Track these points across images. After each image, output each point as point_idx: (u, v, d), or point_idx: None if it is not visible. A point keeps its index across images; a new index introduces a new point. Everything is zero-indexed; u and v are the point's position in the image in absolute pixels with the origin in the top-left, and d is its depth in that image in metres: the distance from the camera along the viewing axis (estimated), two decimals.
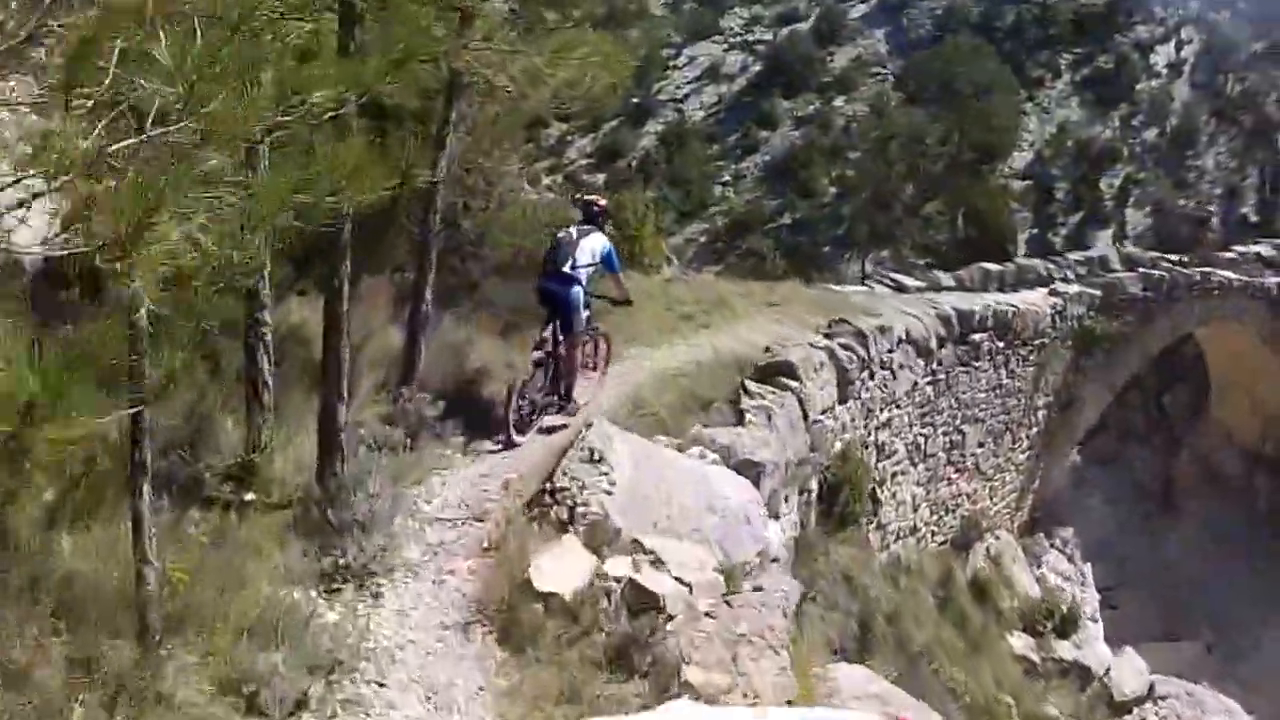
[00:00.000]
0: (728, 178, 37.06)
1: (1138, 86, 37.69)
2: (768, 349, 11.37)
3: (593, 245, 8.20)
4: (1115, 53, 38.86)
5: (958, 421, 17.18)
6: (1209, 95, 35.97)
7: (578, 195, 12.60)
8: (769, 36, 41.63)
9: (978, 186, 32.83)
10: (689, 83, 40.55)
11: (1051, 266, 24.66)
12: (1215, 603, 25.11)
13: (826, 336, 12.80)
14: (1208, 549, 26.00)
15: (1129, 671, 18.72)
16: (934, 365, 15.61)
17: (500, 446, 7.35)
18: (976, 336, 16.72)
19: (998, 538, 19.54)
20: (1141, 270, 21.66)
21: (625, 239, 13.96)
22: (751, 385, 10.42)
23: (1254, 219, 31.82)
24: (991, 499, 19.74)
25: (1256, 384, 25.10)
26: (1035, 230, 33.59)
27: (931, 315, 15.39)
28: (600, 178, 35.07)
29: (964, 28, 38.28)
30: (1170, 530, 27.23)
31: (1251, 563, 25.38)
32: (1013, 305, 17.61)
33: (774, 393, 10.25)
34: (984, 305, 16.71)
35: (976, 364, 17.01)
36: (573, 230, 8.29)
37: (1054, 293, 20.20)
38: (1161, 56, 38.22)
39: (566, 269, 7.99)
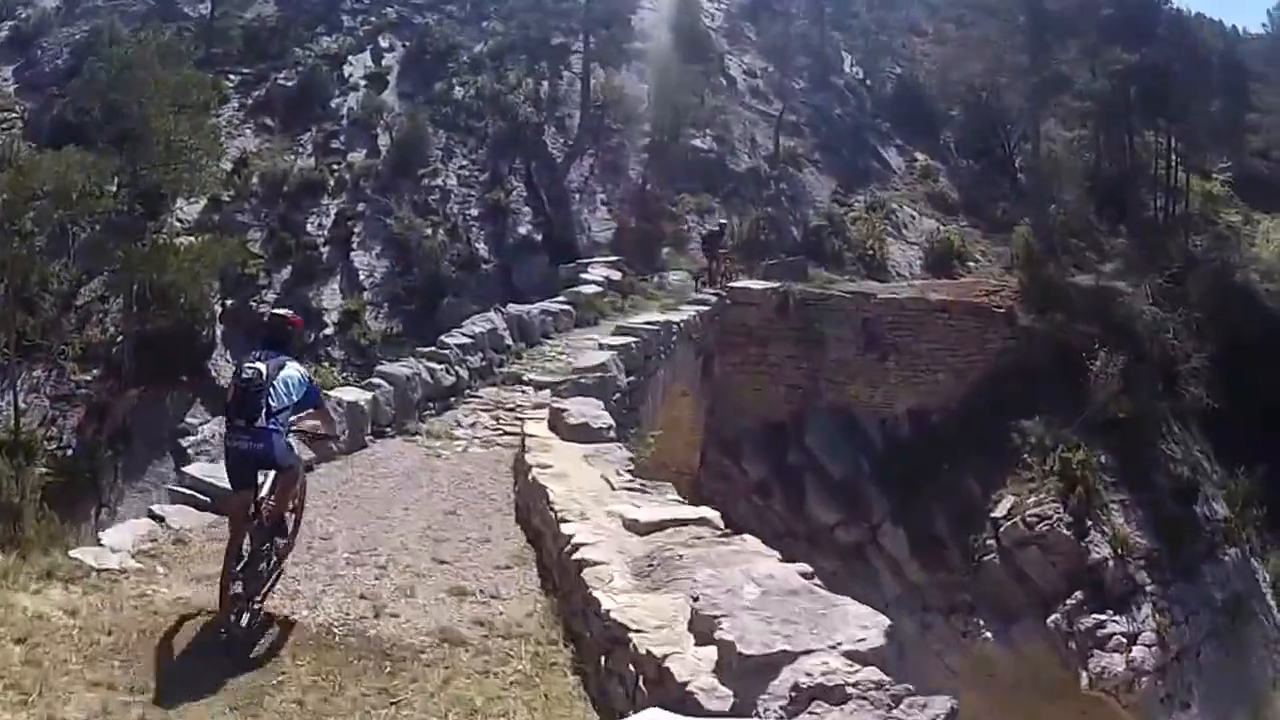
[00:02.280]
0: None
1: (332, 103, 32.60)
2: None
3: (287, 379, 6.48)
4: (298, 68, 33.39)
5: None
6: (427, 106, 32.04)
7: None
8: None
9: (147, 252, 22.78)
10: None
11: (436, 367, 16.78)
12: None
13: None
14: None
15: None
16: None
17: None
18: None
19: None
20: (614, 343, 17.28)
21: None
22: None
23: (538, 237, 27.75)
24: None
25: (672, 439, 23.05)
26: (231, 301, 24.70)
27: None
28: None
29: (113, 55, 28.63)
30: None
31: None
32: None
33: None
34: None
35: None
36: (260, 365, 6.30)
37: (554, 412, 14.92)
38: (358, 68, 33.65)
39: (261, 423, 6.18)
